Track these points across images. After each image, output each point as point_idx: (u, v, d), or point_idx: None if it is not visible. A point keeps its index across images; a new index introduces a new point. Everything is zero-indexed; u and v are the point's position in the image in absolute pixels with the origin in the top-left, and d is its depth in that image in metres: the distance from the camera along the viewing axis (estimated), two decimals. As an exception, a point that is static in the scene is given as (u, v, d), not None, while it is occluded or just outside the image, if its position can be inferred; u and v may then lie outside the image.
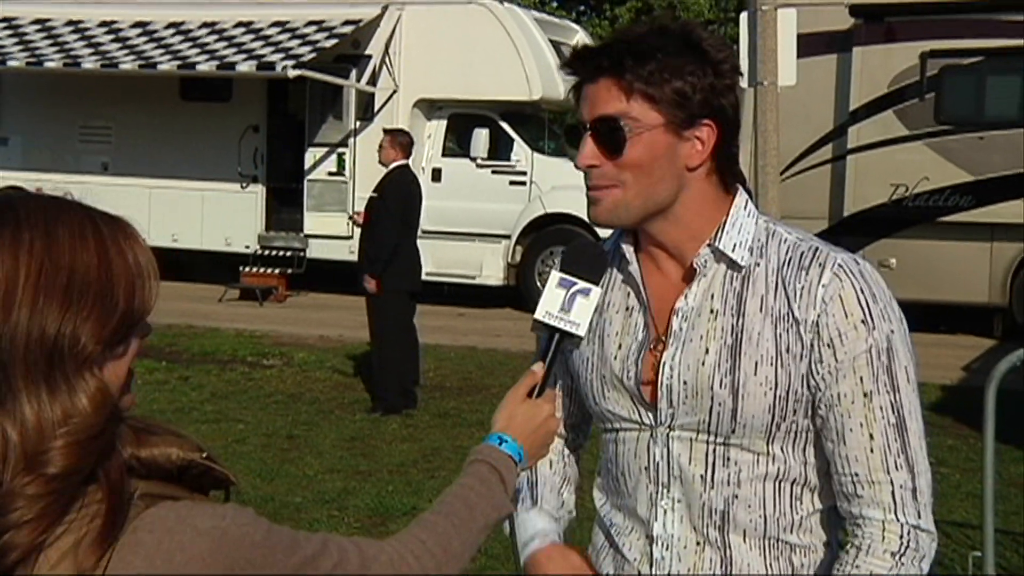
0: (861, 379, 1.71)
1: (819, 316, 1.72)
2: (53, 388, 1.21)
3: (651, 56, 1.71)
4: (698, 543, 1.81)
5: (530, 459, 1.76)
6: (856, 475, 1.73)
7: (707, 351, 1.77)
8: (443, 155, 14.73)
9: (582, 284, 1.77)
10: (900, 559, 1.70)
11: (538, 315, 1.78)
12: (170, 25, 15.52)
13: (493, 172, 14.50)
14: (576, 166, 1.78)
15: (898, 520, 1.71)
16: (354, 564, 1.35)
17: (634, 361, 1.83)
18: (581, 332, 1.78)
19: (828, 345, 1.72)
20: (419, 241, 9.07)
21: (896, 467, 1.71)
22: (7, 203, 1.25)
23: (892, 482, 1.71)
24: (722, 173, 1.80)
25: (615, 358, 1.85)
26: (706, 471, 1.79)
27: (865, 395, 1.71)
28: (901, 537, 1.71)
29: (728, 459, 1.79)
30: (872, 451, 1.71)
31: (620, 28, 1.91)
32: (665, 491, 1.83)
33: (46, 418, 1.20)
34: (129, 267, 1.27)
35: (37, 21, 16.02)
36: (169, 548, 1.21)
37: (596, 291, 1.78)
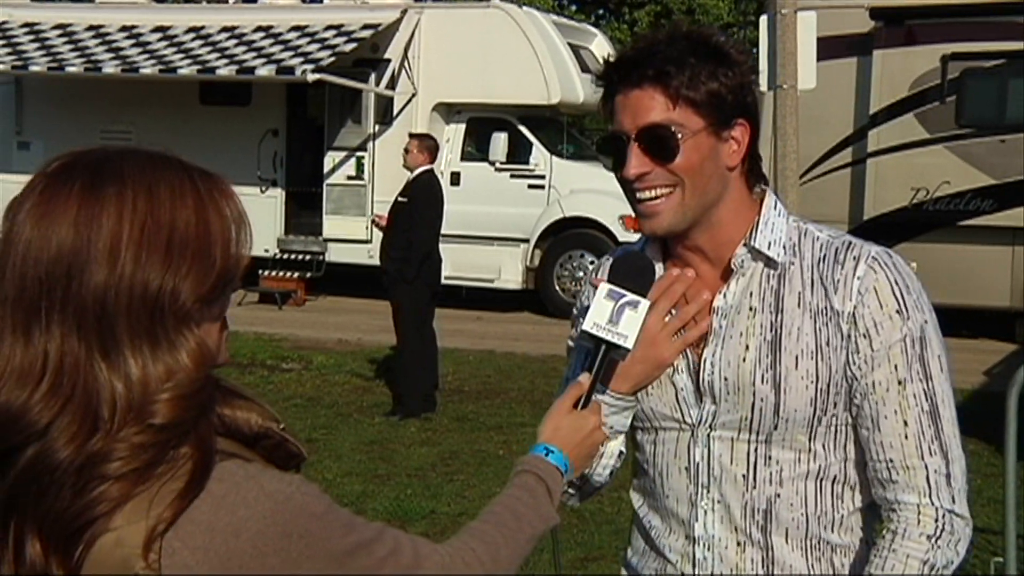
0: (895, 367, 1.76)
1: (855, 307, 1.77)
2: (155, 344, 1.24)
3: (686, 62, 1.75)
4: (739, 543, 1.84)
5: (576, 470, 1.77)
6: (891, 461, 1.77)
7: (747, 347, 1.80)
8: (462, 159, 14.74)
9: (631, 296, 1.79)
10: (936, 542, 1.75)
11: (586, 326, 1.79)
12: (190, 30, 15.59)
13: (512, 176, 14.50)
14: (623, 176, 1.79)
15: (933, 504, 1.75)
16: (407, 557, 1.37)
17: (683, 356, 1.85)
18: (629, 344, 1.78)
19: (864, 335, 1.76)
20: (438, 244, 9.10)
21: (930, 453, 1.76)
22: (111, 160, 1.28)
23: (927, 467, 1.76)
24: (750, 173, 1.85)
25: None
26: (748, 471, 1.82)
27: (899, 383, 1.76)
28: (936, 520, 1.75)
29: (770, 458, 1.81)
30: (907, 437, 1.76)
31: (644, 35, 1.93)
32: (705, 492, 1.85)
33: (150, 373, 1.23)
34: (226, 224, 1.30)
35: (58, 26, 16.11)
36: (234, 501, 1.23)
37: (644, 303, 1.79)
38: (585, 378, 1.80)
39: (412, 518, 6.30)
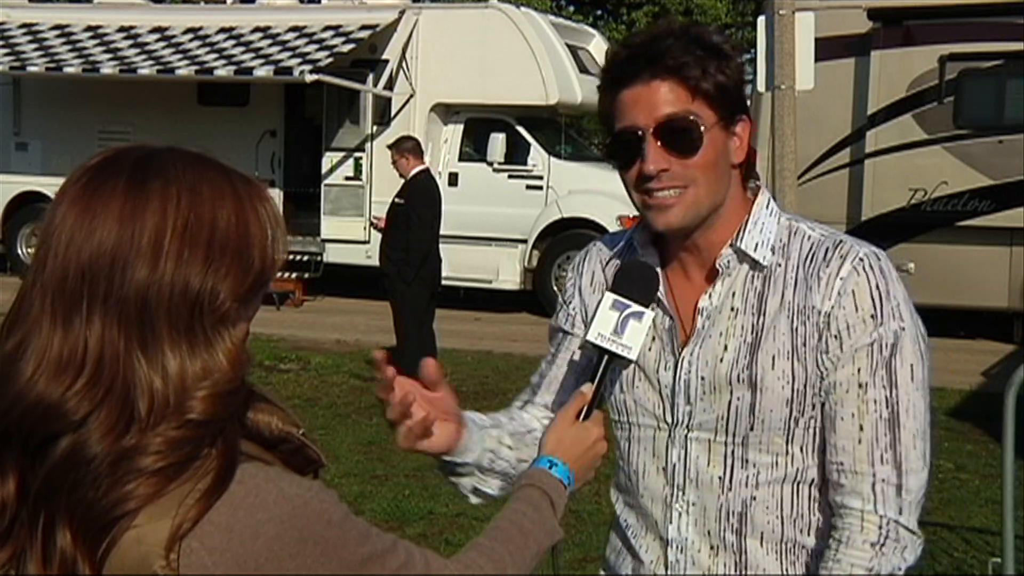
0: (859, 370, 1.72)
1: (832, 307, 1.73)
2: (193, 342, 1.24)
3: (695, 54, 1.72)
4: (712, 547, 1.82)
5: (578, 481, 1.75)
6: (841, 464, 1.73)
7: (725, 348, 1.78)
8: (460, 159, 14.75)
9: (635, 307, 1.78)
10: (880, 549, 1.70)
11: (590, 336, 1.79)
12: (188, 30, 15.59)
13: (510, 176, 14.50)
14: (641, 172, 1.73)
15: (876, 512, 1.71)
16: (418, 571, 1.37)
17: (670, 352, 1.85)
18: (632, 356, 1.78)
19: (836, 336, 1.73)
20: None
21: (882, 461, 1.71)
22: (156, 156, 1.29)
23: (874, 475, 1.71)
24: (747, 171, 1.83)
25: (650, 349, 1.86)
26: (724, 473, 1.80)
27: (860, 386, 1.72)
28: (880, 528, 1.71)
29: (747, 461, 1.79)
30: (860, 442, 1.72)
31: (643, 30, 1.87)
32: (680, 493, 1.83)
33: (187, 369, 1.23)
34: (263, 226, 1.30)
35: (57, 27, 16.11)
36: (254, 503, 1.23)
37: (649, 314, 1.78)
38: (588, 388, 1.77)
39: (410, 519, 6.29)
